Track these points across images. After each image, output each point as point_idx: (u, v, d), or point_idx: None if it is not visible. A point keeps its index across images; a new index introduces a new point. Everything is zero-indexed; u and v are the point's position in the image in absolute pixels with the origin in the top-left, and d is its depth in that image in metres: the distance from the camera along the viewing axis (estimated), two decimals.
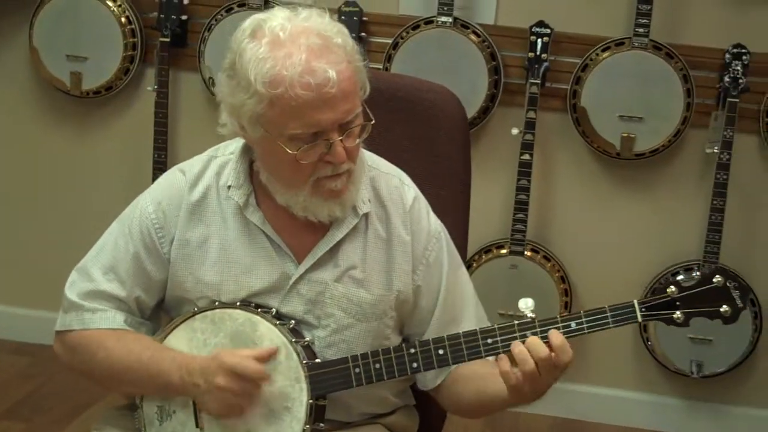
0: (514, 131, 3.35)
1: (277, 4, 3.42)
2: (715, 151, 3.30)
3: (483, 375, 1.82)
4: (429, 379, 1.94)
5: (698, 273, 3.36)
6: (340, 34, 1.73)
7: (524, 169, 3.37)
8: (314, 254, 1.86)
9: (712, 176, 3.32)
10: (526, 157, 3.36)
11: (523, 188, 3.38)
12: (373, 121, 1.78)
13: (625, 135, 3.37)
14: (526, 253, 3.45)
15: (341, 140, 1.73)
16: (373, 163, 1.93)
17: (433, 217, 1.95)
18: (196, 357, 1.84)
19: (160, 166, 3.53)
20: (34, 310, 3.85)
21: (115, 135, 3.72)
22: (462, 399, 1.92)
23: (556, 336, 1.72)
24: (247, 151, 1.88)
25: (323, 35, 1.71)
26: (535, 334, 1.75)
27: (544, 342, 1.72)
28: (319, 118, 1.70)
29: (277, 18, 1.73)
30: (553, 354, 1.71)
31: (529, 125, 3.33)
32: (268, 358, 1.80)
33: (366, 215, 1.88)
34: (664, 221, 3.53)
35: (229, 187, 1.87)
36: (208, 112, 3.62)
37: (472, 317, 1.95)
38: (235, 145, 1.91)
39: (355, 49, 1.76)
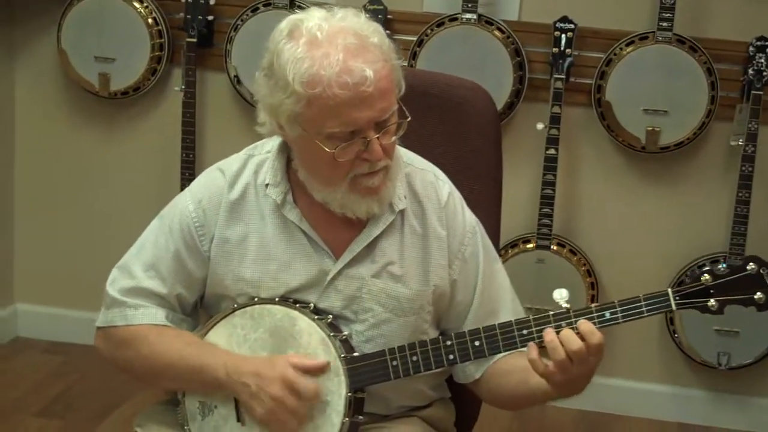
0: (539, 126, 3.37)
1: (302, 5, 3.46)
2: (740, 143, 3.32)
3: (523, 368, 1.84)
4: (468, 373, 1.97)
5: (725, 264, 3.37)
6: (376, 33, 1.76)
7: (550, 164, 3.39)
8: (352, 250, 1.89)
9: (737, 168, 3.33)
10: (552, 151, 3.38)
11: (549, 183, 3.40)
12: (409, 119, 1.80)
13: (650, 129, 3.39)
14: (552, 247, 3.47)
15: (378, 138, 1.76)
16: (408, 159, 1.95)
17: (468, 211, 1.97)
18: (247, 357, 1.86)
19: (188, 166, 3.57)
20: (65, 310, 3.91)
21: (143, 135, 3.76)
22: (502, 392, 1.94)
23: (583, 322, 1.75)
24: (284, 149, 1.91)
25: (360, 35, 1.74)
26: (570, 324, 1.77)
27: (576, 333, 1.74)
28: (356, 117, 1.72)
29: (313, 18, 1.75)
30: (584, 345, 1.72)
31: (554, 120, 3.35)
32: (321, 372, 1.83)
33: (402, 211, 1.90)
34: (689, 214, 3.55)
35: (267, 185, 1.90)
36: (235, 111, 3.66)
37: (509, 310, 1.98)
38: (272, 143, 1.94)
39: (392, 48, 1.78)
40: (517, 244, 3.50)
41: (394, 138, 1.81)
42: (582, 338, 1.73)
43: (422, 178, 1.95)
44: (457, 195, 1.97)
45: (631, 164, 3.53)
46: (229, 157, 1.99)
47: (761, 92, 3.27)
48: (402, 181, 1.91)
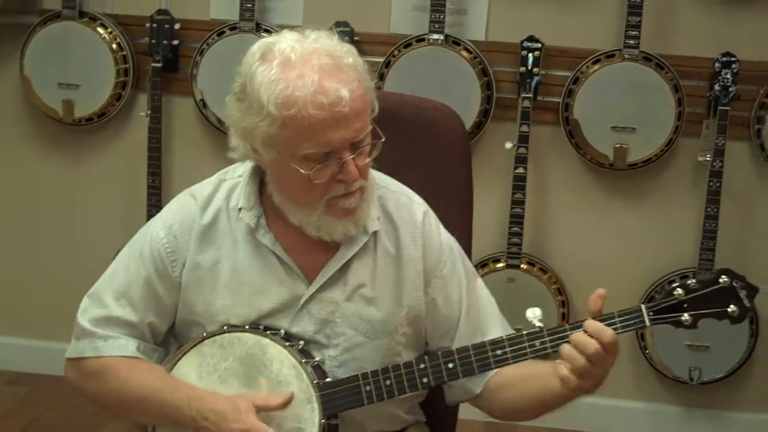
0: (508, 145, 3.37)
1: (269, 28, 3.45)
2: (708, 159, 3.34)
3: (531, 375, 1.83)
4: (467, 390, 1.94)
5: (695, 279, 3.38)
6: (350, 54, 1.75)
7: (519, 183, 3.39)
8: (324, 273, 1.87)
9: (705, 184, 3.35)
10: (521, 170, 3.38)
11: (519, 201, 3.40)
12: (383, 139, 1.79)
13: (618, 146, 3.40)
14: (522, 266, 3.47)
15: (353, 158, 1.74)
16: (381, 181, 1.94)
17: (443, 230, 1.96)
18: (209, 395, 1.84)
19: (154, 191, 3.53)
20: (31, 340, 3.86)
21: (109, 161, 3.72)
22: (512, 404, 1.91)
23: (591, 323, 1.73)
24: (256, 173, 1.89)
25: (334, 55, 1.73)
26: (543, 343, 1.77)
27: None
28: (331, 137, 1.71)
29: (286, 40, 1.74)
30: (598, 344, 1.71)
31: (523, 139, 3.36)
32: (286, 406, 1.81)
33: (375, 233, 1.89)
34: (658, 230, 3.56)
35: (240, 209, 1.88)
36: (202, 135, 3.64)
37: (497, 324, 1.96)
38: (244, 167, 1.92)
39: (365, 69, 1.77)
40: (487, 263, 3.50)
41: (368, 159, 1.80)
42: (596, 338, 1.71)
43: (396, 200, 1.94)
44: (433, 215, 1.96)
45: (599, 181, 3.54)
46: (200, 183, 1.96)
47: (728, 108, 3.29)
48: (375, 203, 1.90)
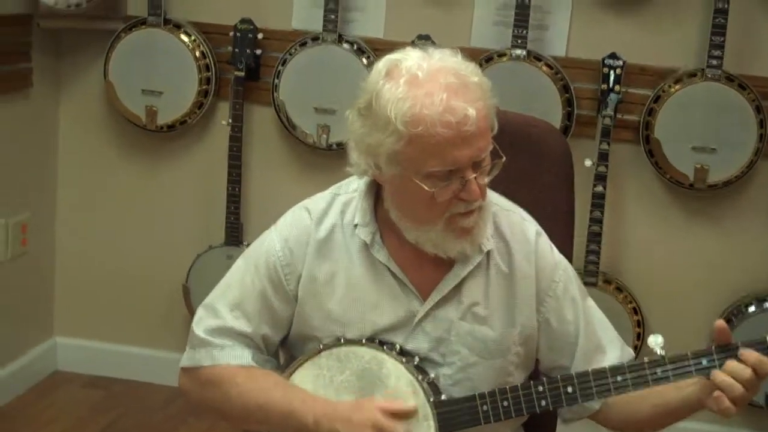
0: (587, 163, 3.36)
1: (349, 40, 3.47)
2: None
3: (653, 390, 1.83)
4: (584, 409, 1.94)
5: None
6: (475, 73, 1.76)
7: (598, 201, 3.38)
8: (440, 291, 1.88)
9: None
10: (600, 188, 3.38)
11: (597, 220, 3.39)
12: (504, 159, 1.80)
13: (699, 166, 3.39)
14: (598, 284, 3.46)
15: (475, 177, 1.75)
16: (493, 199, 1.95)
17: (556, 250, 1.97)
18: (335, 403, 1.85)
19: (234, 200, 3.56)
20: (106, 343, 3.90)
21: (189, 168, 3.75)
22: (637, 417, 1.92)
23: (749, 354, 1.75)
24: (371, 189, 1.90)
25: (460, 74, 1.74)
26: (665, 372, 1.78)
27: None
28: (457, 156, 1.72)
29: (412, 58, 1.75)
30: (751, 370, 1.73)
31: (602, 157, 3.35)
32: (408, 416, 1.82)
33: (488, 251, 1.90)
34: (736, 252, 3.54)
35: (355, 225, 1.89)
36: (282, 145, 3.66)
37: (615, 342, 1.97)
38: (358, 182, 1.93)
39: (489, 88, 1.79)
40: None
41: (488, 178, 1.80)
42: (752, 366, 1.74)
43: (508, 219, 1.95)
44: (545, 235, 1.97)
45: (678, 201, 3.53)
46: (313, 196, 1.98)
47: None
48: (490, 221, 1.91)
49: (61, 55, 3.75)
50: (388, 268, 1.88)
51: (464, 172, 1.74)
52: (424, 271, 1.89)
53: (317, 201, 1.96)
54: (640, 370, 1.79)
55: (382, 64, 1.78)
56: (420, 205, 1.78)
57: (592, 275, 3.44)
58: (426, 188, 1.74)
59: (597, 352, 1.93)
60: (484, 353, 1.89)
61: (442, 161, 1.72)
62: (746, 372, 1.73)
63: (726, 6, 3.26)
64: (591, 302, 2.00)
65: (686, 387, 1.83)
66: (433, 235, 1.81)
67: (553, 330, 1.93)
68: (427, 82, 1.71)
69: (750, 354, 1.74)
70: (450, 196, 1.76)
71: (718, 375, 1.75)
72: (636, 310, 3.50)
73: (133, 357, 3.87)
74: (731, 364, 1.74)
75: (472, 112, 1.70)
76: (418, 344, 1.89)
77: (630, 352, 1.98)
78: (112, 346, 3.87)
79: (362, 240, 1.89)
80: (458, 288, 1.89)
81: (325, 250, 1.91)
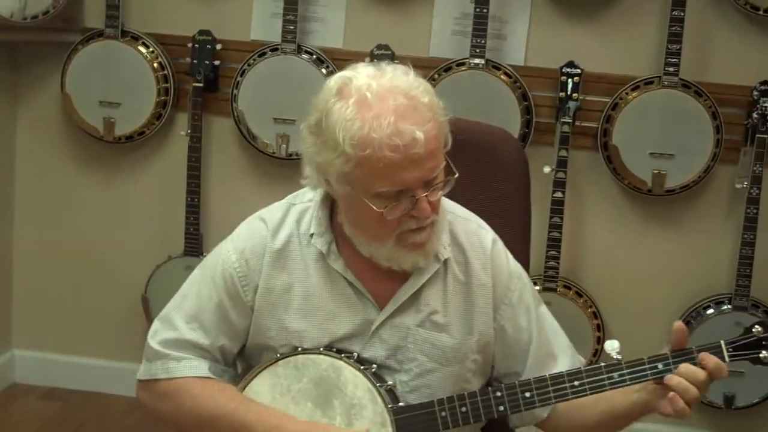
0: (546, 170, 3.38)
1: (309, 50, 3.47)
2: (745, 185, 3.36)
3: (600, 397, 1.84)
4: (532, 417, 1.95)
5: (730, 306, 3.41)
6: (426, 93, 1.75)
7: (557, 207, 3.41)
8: (397, 300, 1.88)
9: (742, 211, 3.37)
10: (559, 194, 3.40)
11: (556, 225, 3.42)
12: (456, 175, 1.79)
13: (656, 172, 3.42)
14: (558, 289, 3.48)
15: (426, 195, 1.75)
16: (449, 207, 1.95)
17: (512, 258, 1.98)
18: (289, 419, 1.84)
19: (193, 210, 3.55)
20: (65, 355, 3.88)
21: (148, 179, 3.74)
22: (584, 424, 1.93)
23: (709, 358, 1.77)
24: (327, 199, 1.90)
25: (410, 95, 1.72)
26: (622, 376, 1.79)
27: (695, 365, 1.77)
28: (405, 177, 1.71)
29: (362, 76, 1.74)
30: (705, 371, 1.77)
31: (561, 163, 3.38)
32: None
33: (446, 260, 1.90)
34: (694, 255, 3.58)
35: (311, 235, 1.89)
36: (241, 155, 3.66)
37: (567, 349, 1.99)
38: (313, 192, 1.93)
39: (439, 105, 1.77)
40: None
41: (441, 193, 1.80)
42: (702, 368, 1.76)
43: (465, 227, 1.95)
44: (501, 242, 1.98)
45: (636, 207, 3.56)
46: (269, 206, 1.97)
47: (766, 135, 3.31)
48: (445, 231, 1.91)
49: (18, 68, 3.73)
50: (345, 278, 1.88)
51: (414, 191, 1.74)
52: (381, 279, 1.89)
53: (273, 211, 1.96)
54: (598, 375, 1.80)
55: (333, 81, 1.77)
56: (371, 223, 1.78)
57: (551, 280, 3.46)
58: (375, 208, 1.74)
59: (548, 359, 1.95)
60: (441, 360, 1.89)
61: (391, 182, 1.71)
62: (701, 374, 1.76)
63: (682, 14, 3.30)
64: (544, 309, 2.01)
65: (632, 392, 1.84)
66: (385, 251, 1.82)
67: (508, 337, 1.94)
68: (376, 103, 1.70)
69: (710, 359, 1.77)
70: (400, 215, 1.76)
71: (673, 378, 1.76)
72: (596, 315, 3.52)
73: (91, 368, 3.85)
74: (685, 366, 1.76)
75: (420, 135, 1.69)
76: (375, 352, 1.89)
77: (580, 360, 2.00)
78: (70, 358, 3.84)
79: (318, 249, 1.89)
80: (416, 296, 1.89)
81: (282, 261, 1.90)
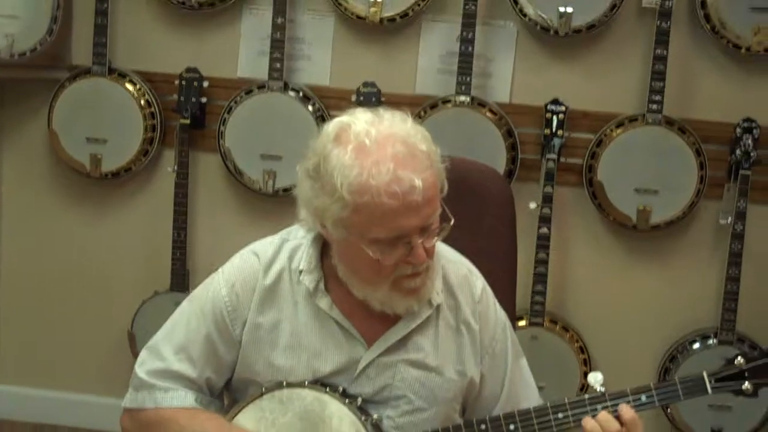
0: (532, 205, 3.40)
1: (296, 88, 3.49)
2: (729, 221, 3.38)
3: None
4: None
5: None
6: (424, 140, 1.76)
7: (543, 242, 3.42)
8: (387, 340, 1.89)
9: (727, 246, 3.39)
10: (544, 230, 3.42)
11: (542, 261, 3.43)
12: (452, 222, 1.80)
13: (641, 207, 3.44)
14: (544, 324, 3.49)
15: (422, 242, 1.76)
16: (440, 250, 1.95)
17: (498, 307, 2.00)
18: None
19: (180, 246, 3.55)
20: (51, 391, 3.86)
21: (135, 215, 3.74)
22: None
23: (626, 410, 1.78)
24: (320, 237, 1.90)
25: (408, 142, 1.73)
26: (605, 407, 1.81)
27: (615, 416, 1.76)
28: (403, 224, 1.72)
29: (360, 122, 1.74)
30: (623, 428, 1.76)
31: (547, 199, 3.39)
32: None
33: (437, 305, 1.91)
34: (679, 290, 3.59)
35: (300, 271, 1.90)
36: (227, 191, 3.67)
37: (535, 404, 1.97)
38: (306, 228, 1.93)
39: (437, 152, 1.78)
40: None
41: (436, 239, 1.80)
42: (621, 422, 1.75)
43: (456, 272, 1.96)
44: (489, 290, 2.00)
45: (622, 242, 3.58)
46: (262, 240, 1.98)
47: (749, 172, 3.34)
48: (439, 275, 1.92)
49: (4, 104, 3.74)
50: (331, 316, 1.89)
51: (410, 237, 1.74)
52: (371, 318, 1.89)
53: (266, 246, 1.96)
54: (581, 407, 1.81)
55: (331, 127, 1.77)
56: (366, 267, 1.78)
57: (538, 315, 3.46)
58: (371, 254, 1.74)
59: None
60: (431, 400, 1.90)
61: (388, 229, 1.72)
62: (614, 425, 1.79)
63: (665, 53, 3.33)
64: (524, 362, 2.03)
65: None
66: (379, 295, 1.82)
67: (486, 386, 1.96)
68: (375, 150, 1.70)
69: (627, 412, 1.80)
70: (396, 261, 1.76)
71: (589, 422, 1.80)
72: (582, 349, 3.53)
73: (77, 404, 3.83)
74: (604, 414, 1.80)
75: (418, 182, 1.69)
76: (361, 389, 1.90)
77: None
78: (56, 394, 3.82)
79: (306, 287, 1.89)
80: (405, 339, 1.90)
81: (272, 297, 1.91)
